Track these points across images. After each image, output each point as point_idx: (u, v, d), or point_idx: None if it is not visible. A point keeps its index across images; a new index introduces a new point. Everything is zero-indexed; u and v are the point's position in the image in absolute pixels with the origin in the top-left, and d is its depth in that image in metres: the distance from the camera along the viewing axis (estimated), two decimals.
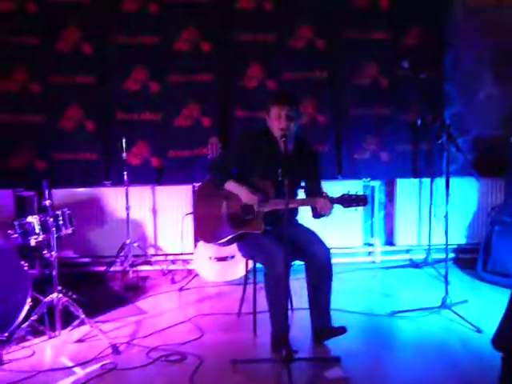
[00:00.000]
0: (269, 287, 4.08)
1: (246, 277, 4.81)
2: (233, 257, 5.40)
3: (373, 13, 5.88)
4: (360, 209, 4.09)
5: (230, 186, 4.30)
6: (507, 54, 6.04)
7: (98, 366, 3.91)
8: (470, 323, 4.49)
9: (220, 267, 5.46)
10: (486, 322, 4.49)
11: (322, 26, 5.88)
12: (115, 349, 4.09)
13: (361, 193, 4.04)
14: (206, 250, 5.39)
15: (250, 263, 4.66)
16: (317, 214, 4.23)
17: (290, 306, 4.58)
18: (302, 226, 4.43)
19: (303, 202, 4.22)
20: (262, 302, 4.26)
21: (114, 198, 5.87)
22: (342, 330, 4.13)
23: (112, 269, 5.76)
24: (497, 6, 6.01)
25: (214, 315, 4.84)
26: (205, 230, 4.59)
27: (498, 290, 5.30)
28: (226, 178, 4.31)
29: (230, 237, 4.35)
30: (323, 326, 4.19)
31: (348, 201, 3.99)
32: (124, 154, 5.53)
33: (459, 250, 6.21)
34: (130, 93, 5.82)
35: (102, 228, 5.87)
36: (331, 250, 4.22)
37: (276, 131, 4.17)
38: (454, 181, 5.00)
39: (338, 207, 4.04)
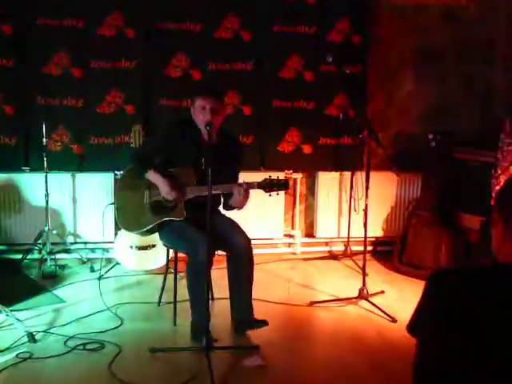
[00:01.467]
0: (191, 276, 4.08)
1: (167, 266, 4.80)
2: (154, 246, 5.36)
3: (300, 6, 5.91)
4: (282, 194, 4.12)
5: (151, 175, 4.27)
6: (427, 52, 6.21)
7: (13, 354, 3.83)
8: (386, 313, 4.62)
9: (141, 256, 5.41)
10: (401, 312, 4.63)
11: (248, 18, 5.89)
12: (31, 337, 4.00)
13: (282, 177, 4.08)
14: (127, 238, 5.34)
15: (171, 252, 4.65)
16: (228, 206, 4.28)
17: (210, 296, 4.59)
18: (223, 215, 4.45)
19: (224, 188, 4.20)
20: (183, 292, 4.26)
21: (32, 185, 5.71)
22: (263, 323, 4.16)
23: (29, 257, 5.62)
24: (418, 5, 6.16)
25: (133, 304, 4.82)
26: (126, 219, 4.56)
27: (413, 282, 5.46)
28: (147, 168, 4.28)
29: (152, 225, 4.33)
30: (245, 318, 4.21)
31: (270, 185, 4.02)
32: (44, 140, 5.40)
33: (377, 242, 6.36)
34: (52, 77, 5.67)
35: (19, 215, 5.71)
36: (252, 241, 4.26)
37: (200, 123, 4.18)
38: (373, 175, 5.10)
39: (258, 197, 4.07)
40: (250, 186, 4.05)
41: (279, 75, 6.00)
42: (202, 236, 3.98)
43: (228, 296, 4.41)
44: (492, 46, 6.30)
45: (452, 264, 5.50)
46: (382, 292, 5.10)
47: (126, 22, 5.71)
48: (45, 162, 5.42)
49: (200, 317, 4.03)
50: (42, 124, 5.39)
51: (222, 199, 4.34)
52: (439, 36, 6.21)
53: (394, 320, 4.55)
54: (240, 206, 4.16)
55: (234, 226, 4.31)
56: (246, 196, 4.06)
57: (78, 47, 5.68)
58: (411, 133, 6.28)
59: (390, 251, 6.02)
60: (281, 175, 5.69)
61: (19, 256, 5.63)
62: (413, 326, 1.78)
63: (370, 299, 4.83)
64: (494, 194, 4.75)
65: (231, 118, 5.59)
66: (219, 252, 4.32)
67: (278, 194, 4.04)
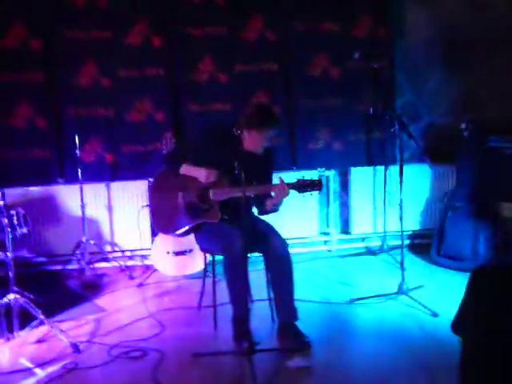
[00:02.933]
0: (228, 269, 4.07)
1: (205, 270, 4.82)
2: (191, 250, 5.39)
3: (323, 4, 5.90)
4: (315, 194, 4.10)
5: (185, 168, 4.29)
6: (454, 42, 6.14)
7: (58, 366, 3.87)
8: (426, 307, 4.58)
9: (178, 261, 5.45)
10: (441, 306, 4.59)
11: (272, 18, 5.88)
12: (75, 348, 4.05)
13: (315, 178, 4.06)
14: (164, 244, 5.37)
15: (209, 256, 4.66)
16: (263, 211, 4.28)
17: (249, 297, 4.58)
18: (258, 218, 4.45)
19: (259, 189, 4.20)
20: (222, 295, 4.27)
21: (68, 196, 5.78)
22: (306, 345, 4.04)
23: (69, 267, 5.70)
24: None
25: (173, 310, 4.84)
26: (162, 222, 4.59)
27: (452, 274, 5.42)
28: (180, 163, 4.29)
29: (187, 227, 4.35)
30: (289, 323, 4.18)
31: (303, 186, 4.00)
32: (77, 151, 5.47)
33: (414, 236, 6.32)
34: (82, 88, 5.74)
35: (57, 226, 5.79)
36: (288, 241, 4.25)
37: (252, 147, 4.20)
38: (407, 168, 5.04)
39: (294, 195, 4.06)
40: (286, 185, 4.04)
41: (306, 73, 5.98)
42: (237, 230, 4.00)
43: (266, 297, 4.42)
44: None
45: (491, 254, 5.43)
46: (422, 286, 5.05)
47: (151, 29, 5.75)
48: (79, 173, 5.48)
49: (241, 311, 4.02)
50: (75, 135, 5.46)
51: (255, 206, 4.34)
52: (466, 24, 6.13)
53: (435, 314, 4.51)
54: (277, 205, 4.16)
55: (269, 228, 4.31)
56: (285, 191, 4.02)
57: (105, 57, 5.74)
58: (443, 124, 6.22)
59: (427, 244, 5.97)
60: (314, 174, 5.78)
61: (59, 267, 5.71)
62: (457, 325, 1.76)
63: (409, 294, 4.79)
64: None
65: None
66: (255, 254, 4.33)
67: (311, 195, 4.02)
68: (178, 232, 4.41)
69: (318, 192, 4.08)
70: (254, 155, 4.23)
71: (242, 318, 4.01)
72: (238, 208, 3.82)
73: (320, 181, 4.05)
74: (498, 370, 1.62)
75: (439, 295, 4.93)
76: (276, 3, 5.90)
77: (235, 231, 4.04)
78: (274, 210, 4.24)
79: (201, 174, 4.23)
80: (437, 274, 5.51)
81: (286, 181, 4.06)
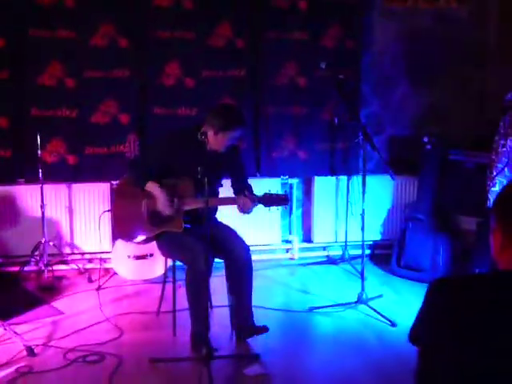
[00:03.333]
0: (190, 285, 4.07)
1: (165, 275, 4.79)
2: (151, 255, 5.35)
3: (292, 13, 5.92)
4: (281, 208, 4.14)
5: (150, 187, 4.25)
6: (420, 56, 6.22)
7: (12, 369, 3.80)
8: (385, 317, 4.62)
9: (139, 265, 5.40)
10: (400, 316, 4.65)
11: (241, 26, 5.89)
12: (30, 351, 3.98)
13: (282, 192, 4.08)
14: (125, 248, 5.33)
15: (169, 261, 4.64)
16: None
17: (209, 304, 4.57)
18: (221, 223, 4.45)
19: (222, 202, 4.23)
20: (181, 301, 4.25)
21: (28, 196, 5.70)
22: (263, 329, 4.16)
23: (26, 269, 5.60)
24: (411, 10, 6.19)
25: (132, 314, 4.80)
26: (123, 229, 4.55)
27: (411, 285, 5.47)
28: (146, 180, 4.25)
29: (150, 235, 4.32)
30: (245, 324, 4.21)
31: (269, 200, 4.03)
32: (39, 151, 5.39)
33: (375, 246, 6.37)
34: (46, 88, 5.66)
35: (15, 227, 5.69)
36: (250, 247, 4.26)
37: (217, 147, 4.18)
38: (369, 178, 5.11)
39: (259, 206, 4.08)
40: (251, 199, 4.04)
41: (273, 81, 6.00)
42: (201, 245, 3.98)
43: (226, 303, 4.42)
44: (484, 47, 6.31)
45: (450, 266, 5.51)
46: (381, 296, 5.10)
47: (118, 31, 5.70)
48: (40, 173, 5.40)
49: (200, 327, 4.01)
50: (37, 135, 5.38)
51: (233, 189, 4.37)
52: (431, 39, 6.22)
53: (393, 324, 4.55)
54: (248, 212, 4.15)
55: (232, 233, 4.31)
56: (247, 206, 4.06)
57: (71, 58, 5.67)
58: (406, 136, 6.29)
59: (387, 255, 6.02)
60: (277, 182, 5.80)
61: (16, 268, 5.61)
62: (414, 336, 1.78)
63: (369, 303, 4.83)
64: (489, 196, 4.75)
65: None
66: (216, 259, 4.32)
67: (277, 210, 4.05)
68: (139, 240, 4.39)
69: (284, 207, 4.11)
70: (219, 154, 4.23)
71: (200, 331, 4.00)
72: (201, 217, 3.82)
73: (286, 196, 4.09)
74: (453, 381, 1.63)
75: (398, 305, 4.98)
76: (246, 10, 5.89)
77: (199, 245, 4.01)
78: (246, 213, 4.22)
79: (161, 201, 4.20)
80: (396, 284, 5.56)
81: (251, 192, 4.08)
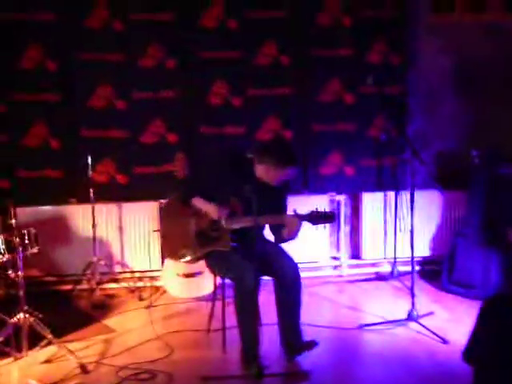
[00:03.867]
0: (239, 303, 4.07)
1: (215, 292, 4.81)
2: (201, 273, 5.38)
3: (337, 29, 5.94)
4: (328, 225, 4.12)
5: (198, 201, 4.30)
6: (468, 70, 6.16)
7: None
8: (437, 335, 4.56)
9: (188, 283, 5.44)
10: (452, 333, 4.57)
11: (286, 43, 5.93)
12: (84, 368, 4.05)
13: (328, 209, 4.05)
14: (174, 266, 5.37)
15: (219, 279, 4.66)
16: (280, 238, 4.25)
17: (259, 322, 4.57)
18: (269, 241, 4.45)
19: (271, 219, 4.23)
20: (231, 318, 4.26)
21: (79, 216, 5.81)
22: (312, 344, 4.15)
23: (78, 287, 5.70)
24: (457, 23, 6.15)
25: (183, 332, 4.83)
26: (172, 248, 4.59)
27: (462, 301, 5.38)
28: (193, 194, 4.31)
29: (197, 255, 4.35)
30: (295, 342, 4.20)
31: (316, 218, 4.01)
32: (90, 172, 5.50)
33: (424, 262, 6.29)
34: (96, 110, 5.79)
35: (67, 246, 5.81)
36: (298, 265, 4.25)
37: (267, 179, 4.18)
38: (418, 194, 5.05)
39: (306, 224, 4.07)
40: (299, 217, 4.03)
41: (319, 98, 6.01)
42: (248, 263, 3.99)
43: (275, 321, 4.42)
44: None
45: (502, 282, 5.40)
46: (432, 313, 5.03)
47: (165, 52, 5.80)
48: (91, 193, 5.50)
49: (250, 344, 4.02)
50: (88, 156, 5.49)
51: (273, 233, 4.33)
52: (478, 53, 6.15)
53: (445, 341, 4.48)
54: (292, 237, 4.14)
55: (280, 251, 4.31)
56: (295, 224, 4.03)
57: (120, 79, 5.79)
58: (454, 151, 6.22)
59: (437, 271, 5.93)
60: (325, 198, 5.79)
61: (69, 287, 5.72)
62: (469, 354, 1.75)
63: (419, 321, 4.77)
64: None
65: None
66: (265, 277, 4.32)
67: (324, 228, 4.02)
68: (187, 259, 4.42)
69: (330, 224, 4.08)
70: (268, 185, 4.24)
71: (250, 348, 4.00)
72: (249, 236, 3.83)
73: (333, 213, 4.05)
74: None
75: (449, 322, 4.90)
76: (291, 28, 5.93)
77: (247, 264, 4.02)
78: (291, 238, 4.20)
79: (211, 210, 4.23)
80: (447, 300, 5.47)
81: (298, 209, 4.06)
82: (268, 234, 4.49)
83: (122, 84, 5.81)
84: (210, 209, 4.25)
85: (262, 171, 4.17)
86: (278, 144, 4.52)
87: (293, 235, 4.10)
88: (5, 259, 4.32)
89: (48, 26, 5.66)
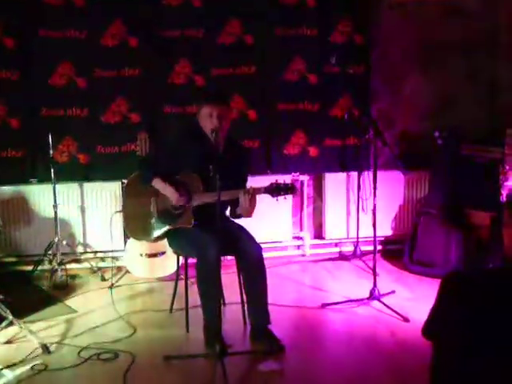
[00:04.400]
0: (201, 278, 4.07)
1: (178, 272, 4.80)
2: (164, 253, 5.37)
3: (300, 9, 5.92)
4: (289, 197, 4.10)
5: (157, 183, 4.27)
6: (431, 48, 6.19)
7: (28, 367, 3.83)
8: (398, 313, 4.61)
9: (151, 263, 5.43)
10: (413, 312, 4.62)
11: (250, 22, 5.89)
12: (46, 349, 4.01)
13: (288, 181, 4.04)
14: (137, 246, 5.35)
15: (182, 259, 4.65)
16: (235, 214, 4.28)
17: (222, 301, 4.57)
18: (232, 221, 4.44)
19: (229, 194, 4.19)
20: (194, 298, 4.26)
21: (40, 196, 5.74)
22: (279, 347, 4.07)
23: (40, 268, 5.64)
24: (419, 1, 6.17)
25: (145, 312, 4.83)
26: (134, 227, 4.58)
27: (424, 280, 5.46)
28: (152, 175, 4.27)
29: (160, 233, 4.34)
30: (262, 325, 4.19)
31: (276, 190, 3.98)
32: (51, 151, 5.42)
33: (386, 242, 6.35)
34: (56, 88, 5.70)
35: (28, 226, 5.74)
36: (261, 245, 4.25)
37: (207, 130, 4.18)
38: (380, 174, 5.07)
39: (266, 201, 4.05)
40: (256, 191, 4.01)
41: (283, 78, 6.00)
42: (211, 239, 3.98)
43: (239, 301, 4.43)
44: (495, 39, 6.27)
45: (463, 262, 5.48)
46: (394, 292, 5.09)
47: (127, 30, 5.72)
48: (52, 173, 5.43)
49: (213, 320, 4.01)
50: (48, 135, 5.41)
51: (229, 207, 4.33)
52: (441, 32, 6.19)
53: (406, 319, 4.54)
54: (247, 215, 4.13)
55: (243, 232, 4.30)
56: (253, 203, 4.02)
57: (81, 57, 5.70)
58: (417, 131, 6.26)
59: (399, 250, 6.00)
60: (287, 178, 5.78)
61: (30, 267, 5.65)
62: (428, 330, 1.78)
63: (381, 299, 4.82)
64: (502, 191, 4.73)
65: (237, 122, 5.57)
66: (228, 257, 4.32)
67: (285, 199, 4.01)
68: (151, 238, 4.41)
69: (291, 196, 4.08)
70: (227, 154, 4.24)
71: (213, 326, 4.00)
72: (211, 213, 3.82)
73: (293, 184, 4.04)
74: (468, 374, 1.63)
75: (411, 301, 4.97)
76: (253, 7, 5.89)
77: (209, 239, 4.01)
78: (246, 215, 4.21)
79: (171, 195, 4.23)
80: (409, 279, 5.55)
81: (260, 184, 4.06)
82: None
83: (84, 62, 5.71)
84: (168, 193, 4.24)
85: (202, 120, 4.22)
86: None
87: (246, 212, 4.09)
88: None
89: (6, 2, 5.53)
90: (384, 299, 4.83)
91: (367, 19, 6.08)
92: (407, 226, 6.19)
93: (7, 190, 5.68)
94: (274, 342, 4.08)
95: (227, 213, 4.44)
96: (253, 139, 5.97)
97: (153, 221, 4.39)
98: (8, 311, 4.17)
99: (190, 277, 4.49)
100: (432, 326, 1.76)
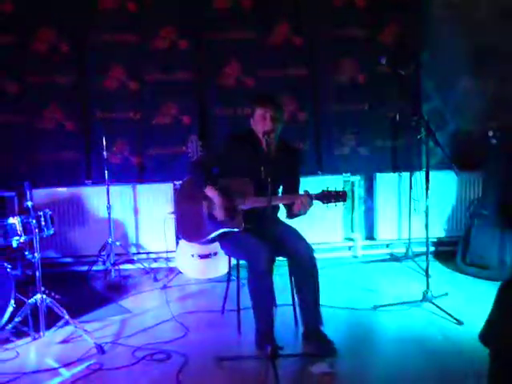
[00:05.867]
0: (252, 284, 4.08)
1: (229, 273, 4.83)
2: (215, 254, 5.40)
3: (350, 10, 5.90)
4: (340, 204, 4.10)
5: (209, 191, 4.28)
6: (483, 49, 6.09)
7: (83, 366, 3.90)
8: (451, 316, 4.55)
9: (203, 264, 5.46)
10: (466, 314, 4.55)
11: (299, 24, 5.89)
12: (100, 349, 4.09)
13: (340, 188, 4.05)
14: (189, 247, 5.39)
15: (233, 260, 4.67)
16: (291, 214, 4.26)
17: (273, 303, 4.58)
18: (283, 223, 4.44)
19: (283, 199, 4.25)
20: (246, 299, 4.28)
21: (95, 197, 5.86)
22: (331, 350, 4.04)
23: (94, 268, 5.76)
24: (472, 2, 6.07)
25: (197, 313, 4.86)
26: (186, 229, 4.60)
27: (477, 282, 5.38)
28: (206, 183, 4.28)
29: (211, 236, 4.36)
30: (314, 327, 4.19)
31: (327, 197, 4.00)
32: (105, 153, 5.52)
33: (439, 243, 6.27)
34: (109, 92, 5.80)
35: (83, 227, 5.86)
36: (312, 246, 4.25)
37: (260, 132, 4.19)
38: (433, 175, 5.00)
39: (318, 203, 4.07)
40: (309, 196, 4.03)
41: (333, 79, 5.98)
42: (262, 244, 4.00)
43: (290, 302, 4.43)
44: None
45: None
46: (447, 294, 5.02)
47: (178, 34, 5.79)
48: (106, 175, 5.53)
49: (264, 325, 4.03)
50: (102, 138, 5.51)
51: (286, 208, 4.34)
52: (494, 33, 6.08)
53: (460, 322, 4.47)
54: (303, 213, 4.16)
55: (294, 233, 4.30)
56: (305, 204, 4.05)
57: (133, 61, 5.79)
58: (469, 130, 6.17)
59: (452, 252, 5.92)
60: (339, 179, 5.78)
61: (85, 268, 5.77)
62: (485, 336, 1.75)
63: (434, 301, 4.76)
64: None
65: (287, 124, 5.56)
66: (280, 258, 4.33)
67: (335, 206, 4.02)
68: (202, 240, 4.44)
69: (342, 203, 4.08)
70: (279, 157, 4.26)
71: (265, 329, 4.02)
72: (262, 215, 3.84)
73: (344, 192, 4.04)
74: None
75: (464, 303, 4.89)
76: (303, 9, 5.89)
77: (260, 245, 4.03)
78: (302, 213, 4.22)
79: (218, 208, 4.23)
80: (462, 281, 5.47)
81: (311, 189, 4.06)
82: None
83: (135, 65, 5.80)
84: (217, 208, 4.25)
85: (254, 122, 4.25)
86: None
87: (303, 212, 4.11)
88: (22, 241, 4.36)
89: (61, 9, 5.66)
90: (437, 301, 4.77)
91: (418, 20, 6.01)
92: (460, 227, 6.11)
93: (63, 191, 5.81)
94: (326, 345, 4.06)
95: (279, 215, 4.46)
96: (303, 140, 5.98)
97: (204, 223, 4.42)
98: (64, 311, 4.26)
99: (242, 278, 4.51)
100: (489, 333, 1.73)
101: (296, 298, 4.34)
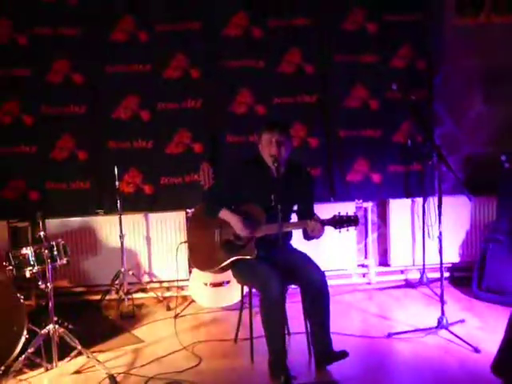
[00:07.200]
0: (265, 312, 4.06)
1: (242, 302, 4.81)
2: (228, 282, 5.39)
3: (361, 36, 5.92)
4: (352, 229, 4.10)
5: (223, 214, 4.31)
6: (495, 72, 6.09)
7: None
8: (467, 343, 4.49)
9: (215, 293, 5.45)
10: (483, 342, 4.49)
11: (310, 51, 5.92)
12: (113, 379, 4.06)
13: (351, 213, 4.04)
14: (202, 275, 5.38)
15: (246, 288, 4.66)
16: (308, 236, 4.25)
17: (286, 331, 4.55)
18: (295, 249, 4.44)
19: (294, 226, 4.24)
20: (259, 328, 4.25)
21: (107, 227, 5.86)
22: (343, 355, 4.11)
23: (107, 297, 5.75)
24: (485, 25, 6.08)
25: (210, 342, 4.83)
26: (199, 258, 4.61)
27: (494, 308, 5.31)
28: (219, 208, 4.32)
29: (223, 264, 4.36)
30: (324, 351, 4.17)
31: (339, 222, 4.00)
32: (117, 183, 5.54)
33: (454, 268, 6.21)
34: (121, 121, 5.84)
35: (96, 257, 5.86)
36: (325, 272, 4.23)
37: (267, 157, 4.20)
38: (446, 200, 4.98)
39: (330, 229, 4.05)
40: (321, 222, 4.03)
41: (344, 105, 5.99)
42: (274, 272, 3.99)
43: (303, 330, 4.40)
44: None
45: None
46: (463, 321, 4.96)
47: (190, 62, 5.83)
48: (118, 204, 5.55)
49: (278, 354, 4.01)
50: (114, 167, 5.54)
51: (302, 230, 4.33)
52: (505, 55, 6.08)
53: (477, 350, 4.41)
54: (318, 236, 4.15)
55: (306, 259, 4.29)
56: (318, 229, 4.04)
57: (145, 90, 5.83)
58: (482, 154, 6.15)
59: (467, 277, 5.86)
60: (351, 205, 5.76)
61: (98, 297, 5.77)
62: (498, 367, 1.72)
63: (450, 328, 4.70)
64: None
65: (298, 150, 5.58)
66: (292, 286, 4.31)
67: (347, 231, 4.01)
68: (214, 269, 4.43)
69: (354, 228, 4.07)
70: (289, 180, 4.26)
71: (278, 358, 3.99)
72: (275, 243, 3.83)
73: (356, 217, 4.04)
74: None
75: (481, 330, 4.83)
76: (313, 35, 5.92)
77: (272, 272, 4.03)
78: (316, 237, 4.21)
79: (236, 225, 4.26)
80: (478, 307, 5.40)
81: (324, 216, 4.06)
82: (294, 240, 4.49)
83: (147, 95, 5.84)
84: (234, 223, 4.27)
85: (262, 147, 4.27)
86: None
87: (316, 236, 4.12)
88: (35, 271, 4.37)
89: (74, 41, 5.72)
90: (453, 328, 4.71)
91: (429, 44, 6.02)
92: (475, 252, 6.04)
93: (75, 221, 5.83)
94: (339, 355, 4.08)
95: (291, 242, 4.45)
96: (315, 167, 5.97)
97: (217, 252, 4.42)
98: (77, 341, 4.25)
99: (255, 306, 4.48)
100: (502, 363, 1.70)
101: (307, 325, 4.31)
